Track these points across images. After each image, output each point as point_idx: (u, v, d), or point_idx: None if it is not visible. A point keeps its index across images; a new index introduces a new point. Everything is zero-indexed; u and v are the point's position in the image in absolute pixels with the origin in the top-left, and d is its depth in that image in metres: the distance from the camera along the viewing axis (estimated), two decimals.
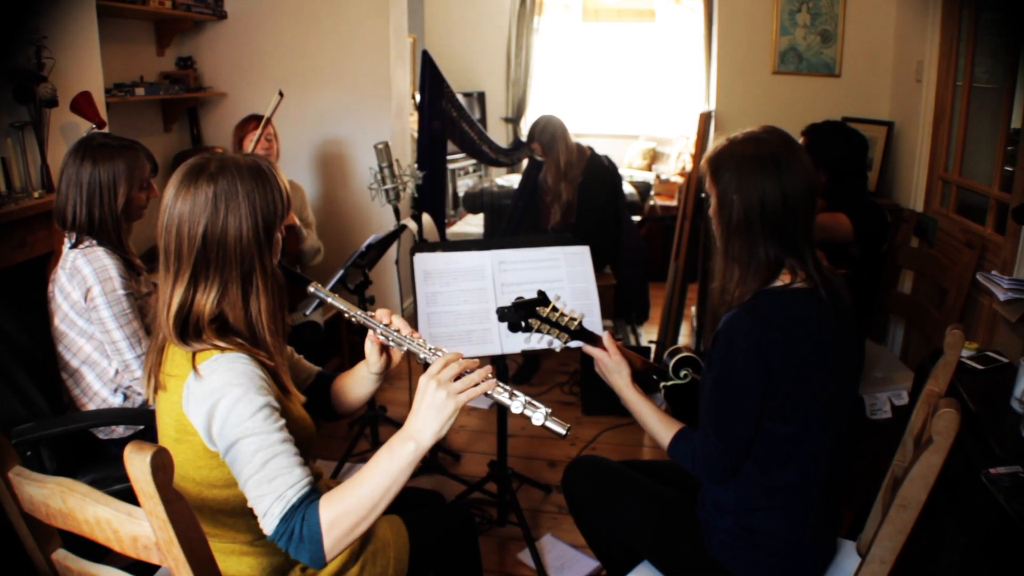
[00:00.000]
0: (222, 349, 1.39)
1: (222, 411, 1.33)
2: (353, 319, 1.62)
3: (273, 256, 1.50)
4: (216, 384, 1.35)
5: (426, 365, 1.48)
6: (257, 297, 1.46)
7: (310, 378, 1.80)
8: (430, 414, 1.35)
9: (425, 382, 1.37)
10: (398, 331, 1.59)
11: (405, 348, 1.57)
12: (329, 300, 1.65)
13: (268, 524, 1.29)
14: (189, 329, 1.41)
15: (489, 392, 1.40)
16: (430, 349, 1.53)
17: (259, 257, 1.45)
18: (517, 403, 1.41)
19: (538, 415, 1.39)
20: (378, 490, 1.31)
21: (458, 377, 1.38)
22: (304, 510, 1.28)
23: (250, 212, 1.42)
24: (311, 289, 1.67)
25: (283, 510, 1.28)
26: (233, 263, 1.43)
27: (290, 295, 1.64)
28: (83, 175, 2.19)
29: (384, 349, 1.69)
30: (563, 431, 1.38)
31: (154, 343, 1.48)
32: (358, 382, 1.78)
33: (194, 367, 1.37)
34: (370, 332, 1.65)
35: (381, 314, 1.63)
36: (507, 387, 1.42)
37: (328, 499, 1.30)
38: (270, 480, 1.29)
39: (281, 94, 3.32)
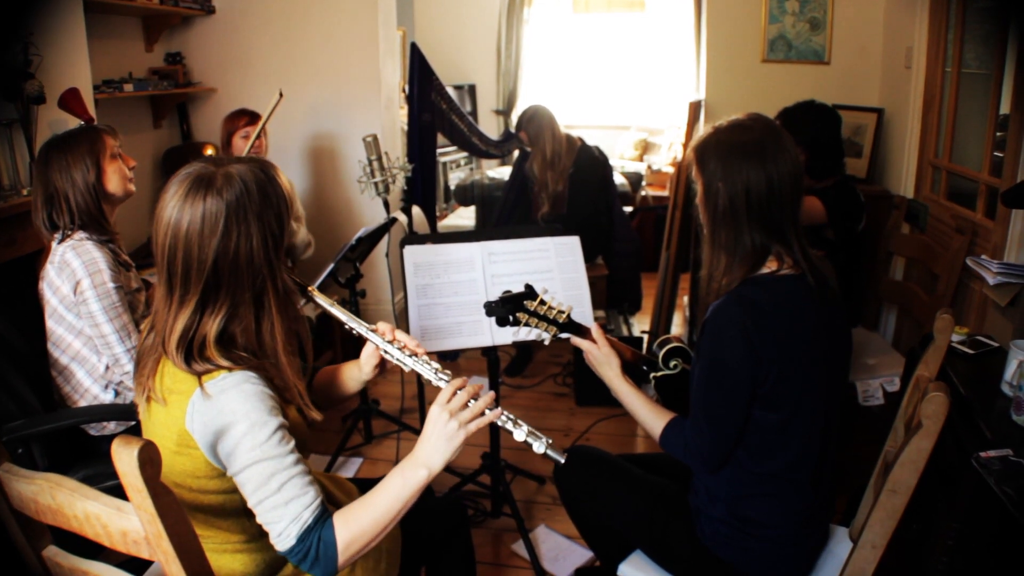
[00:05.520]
0: (229, 368, 1.35)
1: (235, 435, 1.31)
2: (354, 331, 1.60)
3: (284, 265, 1.45)
4: (226, 406, 1.31)
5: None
6: (270, 318, 1.41)
7: None
8: (441, 443, 1.41)
9: (437, 412, 1.42)
10: (402, 348, 1.58)
11: (409, 368, 1.57)
12: (331, 310, 1.60)
13: (283, 543, 1.32)
14: (194, 353, 1.35)
15: (496, 420, 1.48)
16: (435, 371, 1.54)
17: (270, 276, 1.40)
18: (520, 432, 1.49)
19: (539, 444, 1.49)
20: (390, 514, 1.38)
21: (466, 405, 1.44)
22: (320, 530, 1.32)
23: (260, 228, 1.36)
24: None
25: (299, 531, 1.31)
26: (245, 284, 1.37)
27: None
28: (51, 172, 2.20)
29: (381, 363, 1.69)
30: (562, 459, 1.48)
31: (150, 354, 1.41)
32: (346, 382, 1.78)
33: (200, 385, 1.33)
34: (370, 344, 1.63)
35: (383, 327, 1.61)
36: (511, 416, 1.50)
37: (343, 520, 1.35)
38: (286, 503, 1.31)
39: (281, 94, 3.31)
